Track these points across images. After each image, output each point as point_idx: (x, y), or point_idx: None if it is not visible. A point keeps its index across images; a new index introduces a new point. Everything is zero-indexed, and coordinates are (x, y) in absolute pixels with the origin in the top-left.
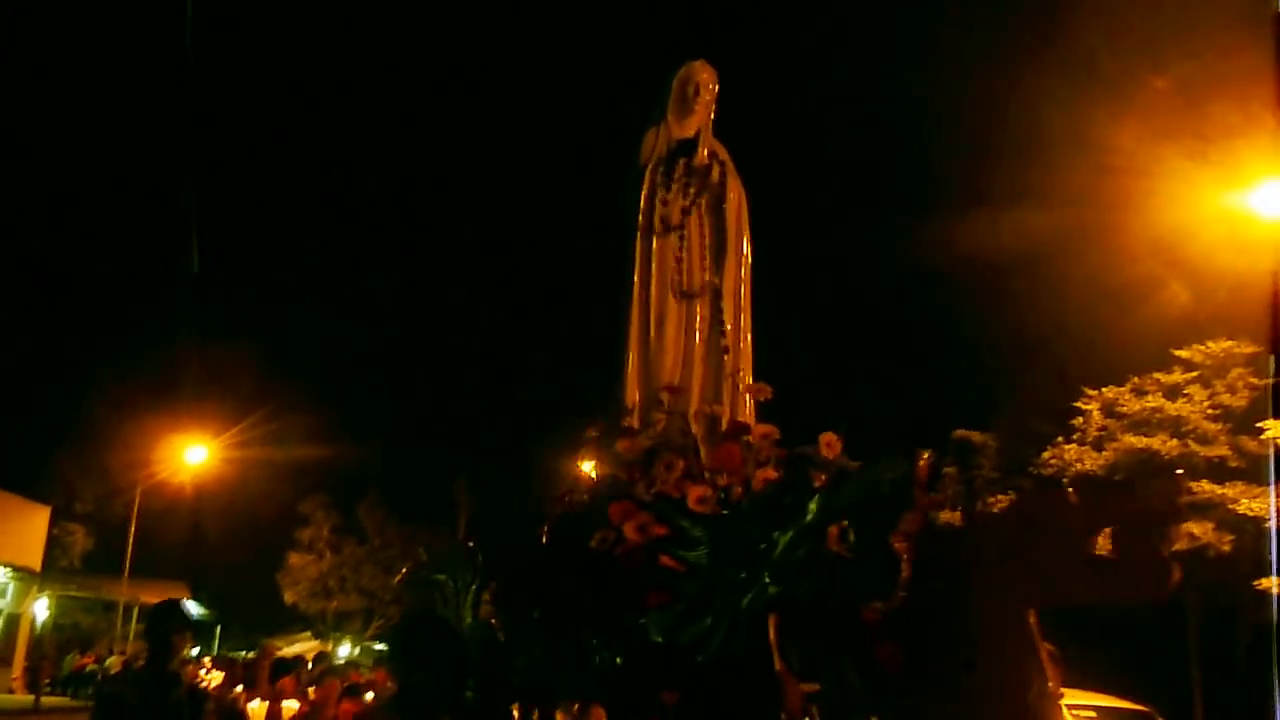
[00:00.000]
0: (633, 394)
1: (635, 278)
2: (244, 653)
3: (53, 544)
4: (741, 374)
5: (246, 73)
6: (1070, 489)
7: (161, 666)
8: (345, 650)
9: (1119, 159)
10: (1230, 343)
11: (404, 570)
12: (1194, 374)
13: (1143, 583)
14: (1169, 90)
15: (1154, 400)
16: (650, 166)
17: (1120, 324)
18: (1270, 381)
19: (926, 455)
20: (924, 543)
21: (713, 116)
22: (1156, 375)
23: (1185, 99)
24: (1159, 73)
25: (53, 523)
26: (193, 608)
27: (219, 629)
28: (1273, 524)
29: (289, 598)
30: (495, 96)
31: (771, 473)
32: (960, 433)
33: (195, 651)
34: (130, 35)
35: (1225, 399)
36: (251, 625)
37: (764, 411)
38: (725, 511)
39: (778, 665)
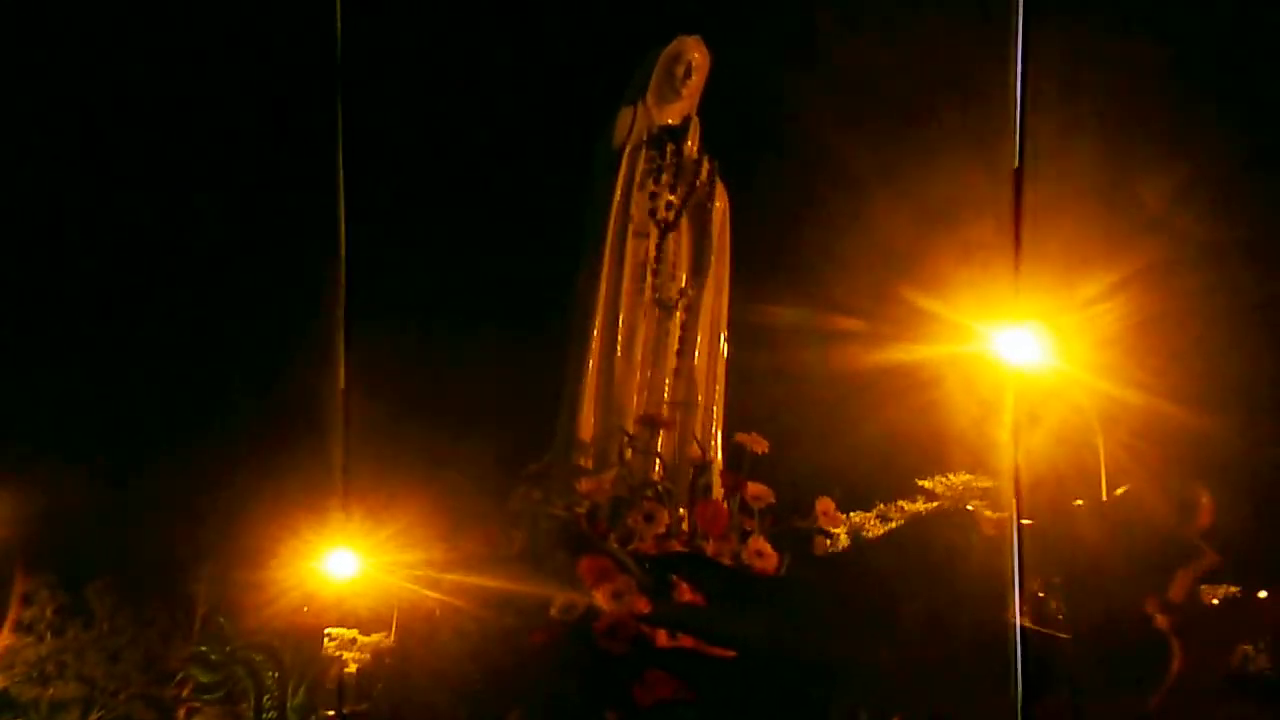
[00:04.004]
0: (588, 424)
1: (602, 282)
2: None
3: None
4: (715, 410)
5: None
6: None
7: None
8: None
9: (877, 305)
10: (969, 476)
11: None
12: (935, 503)
13: None
14: (912, 238)
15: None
16: (628, 150)
17: (871, 453)
18: (1007, 515)
19: (1206, 494)
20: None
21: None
22: (901, 503)
23: (925, 248)
24: (904, 220)
25: None
26: None
27: None
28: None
29: (0, 682)
30: None
31: (764, 544)
32: None
33: None
34: None
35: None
36: None
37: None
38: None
39: None
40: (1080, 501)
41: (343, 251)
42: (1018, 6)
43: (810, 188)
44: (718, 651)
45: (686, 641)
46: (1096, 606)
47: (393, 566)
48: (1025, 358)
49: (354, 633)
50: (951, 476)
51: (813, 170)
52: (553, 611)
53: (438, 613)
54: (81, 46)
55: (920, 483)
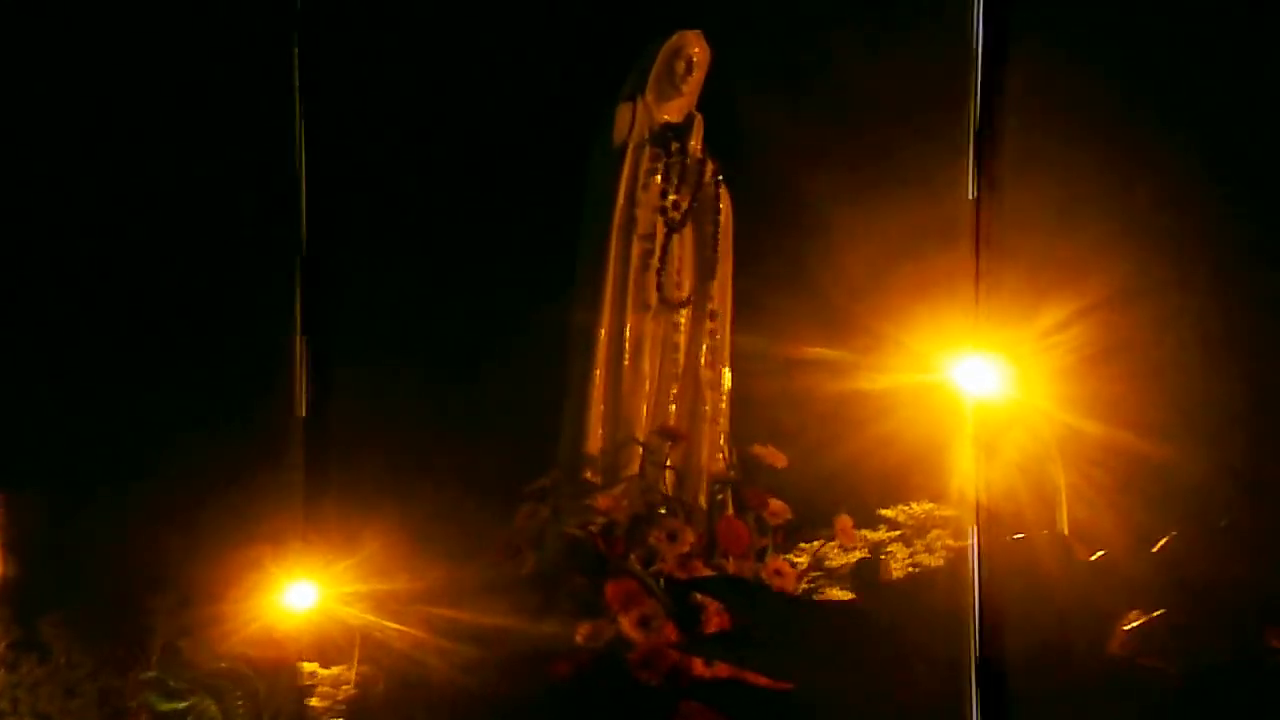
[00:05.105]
0: (596, 437)
1: (607, 285)
2: None
3: None
4: (722, 422)
5: None
6: None
7: None
8: None
9: (837, 334)
10: (931, 505)
11: None
12: (896, 533)
13: None
14: (873, 268)
15: (858, 555)
16: (631, 148)
17: (832, 482)
18: (967, 544)
19: None
20: None
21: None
22: (863, 532)
23: (885, 278)
24: (864, 249)
25: None
26: None
27: None
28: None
29: None
30: None
31: (783, 563)
32: None
33: None
34: None
35: (924, 558)
36: None
37: None
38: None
39: None
40: (1165, 540)
41: (299, 273)
42: (976, 38)
43: (770, 215)
44: (763, 681)
45: (723, 670)
46: (1206, 640)
47: (381, 597)
48: (985, 387)
49: (314, 665)
50: (914, 505)
51: (772, 197)
52: (577, 639)
53: (437, 644)
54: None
55: (882, 511)
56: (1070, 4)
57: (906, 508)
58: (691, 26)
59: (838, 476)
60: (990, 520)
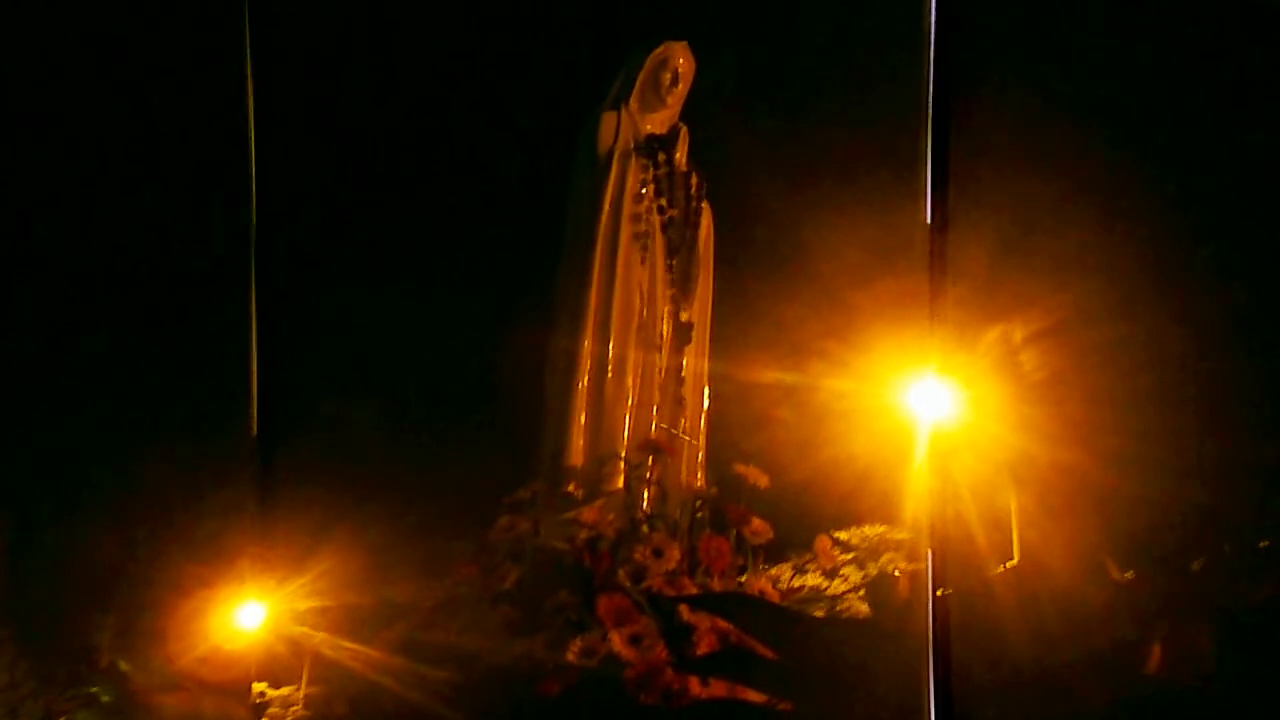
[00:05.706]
0: (577, 450)
1: (592, 297)
2: None
3: None
4: (699, 440)
5: None
6: None
7: None
8: None
9: (793, 357)
10: (884, 528)
11: None
12: (850, 555)
13: None
14: (828, 291)
15: (814, 579)
16: (617, 156)
17: (788, 504)
18: (921, 565)
19: None
20: None
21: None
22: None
23: (841, 301)
24: (820, 273)
25: None
26: None
27: None
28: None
29: None
30: None
31: (766, 583)
32: None
33: None
34: None
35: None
36: None
37: None
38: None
39: None
40: (1202, 561)
41: (253, 284)
42: (929, 58)
43: (727, 234)
44: (761, 700)
45: (719, 689)
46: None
47: (340, 616)
48: (939, 410)
49: (264, 685)
50: (867, 528)
51: (730, 216)
52: (569, 656)
53: (402, 665)
54: None
55: (836, 534)
56: (1023, 33)
57: (860, 530)
58: (663, 39)
59: (788, 499)
60: (945, 544)
